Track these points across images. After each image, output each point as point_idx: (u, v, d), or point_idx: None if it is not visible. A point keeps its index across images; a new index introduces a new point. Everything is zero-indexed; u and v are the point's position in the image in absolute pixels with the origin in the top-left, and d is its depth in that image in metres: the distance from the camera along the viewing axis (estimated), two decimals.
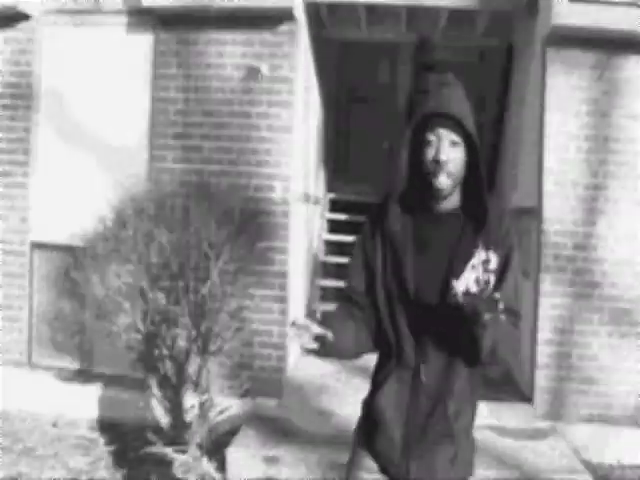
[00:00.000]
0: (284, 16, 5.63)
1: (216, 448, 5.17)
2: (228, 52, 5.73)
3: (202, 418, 5.14)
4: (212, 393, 5.17)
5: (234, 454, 4.84)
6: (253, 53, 5.71)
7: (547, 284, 5.55)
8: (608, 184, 5.56)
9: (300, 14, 5.83)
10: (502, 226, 2.40)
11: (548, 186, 5.58)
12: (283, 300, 5.70)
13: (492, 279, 2.27)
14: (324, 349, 2.33)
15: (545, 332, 5.54)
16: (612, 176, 5.57)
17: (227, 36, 5.72)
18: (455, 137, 2.34)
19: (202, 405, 5.14)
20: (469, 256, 2.30)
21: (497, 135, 7.57)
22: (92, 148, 5.97)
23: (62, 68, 6.04)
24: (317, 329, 2.25)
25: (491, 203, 2.42)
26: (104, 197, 5.27)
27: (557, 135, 5.59)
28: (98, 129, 5.97)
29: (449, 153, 2.34)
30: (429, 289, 2.40)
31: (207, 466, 4.99)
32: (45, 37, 6.05)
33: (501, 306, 2.07)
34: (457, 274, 2.26)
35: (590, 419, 5.51)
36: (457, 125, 2.34)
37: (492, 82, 7.67)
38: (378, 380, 2.55)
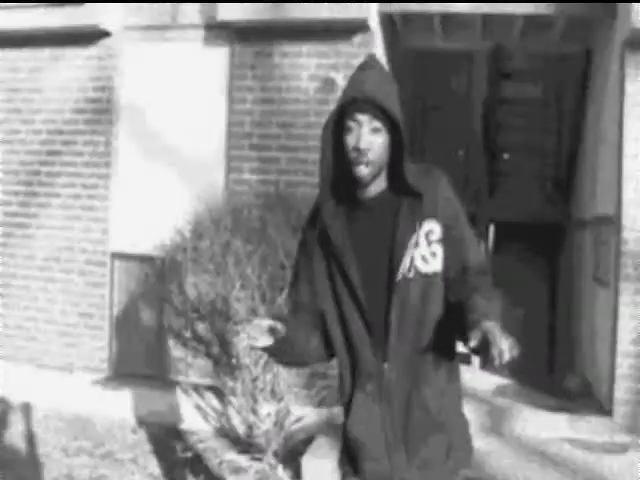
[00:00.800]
0: (359, 27, 5.67)
1: (292, 457, 5.22)
2: (303, 64, 5.79)
3: (278, 426, 5.20)
4: (288, 402, 5.23)
5: (309, 462, 4.85)
6: (328, 64, 5.76)
7: (627, 294, 5.43)
8: None
9: (375, 24, 5.85)
10: (438, 193, 2.29)
11: (628, 194, 5.47)
12: None
13: (439, 250, 2.23)
14: (276, 353, 2.28)
15: (624, 344, 5.41)
16: None
17: (302, 48, 5.79)
18: (376, 122, 2.21)
19: (278, 413, 5.20)
20: (410, 235, 2.24)
21: (576, 142, 7.45)
22: (170, 161, 6.10)
23: (141, 82, 6.21)
24: (266, 322, 2.16)
25: (418, 175, 2.29)
26: (182, 209, 5.40)
27: (637, 141, 5.47)
28: (176, 142, 6.10)
29: (369, 140, 2.21)
30: (376, 280, 2.26)
31: (283, 474, 5.05)
32: (125, 53, 6.23)
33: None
34: (400, 256, 2.21)
35: None
36: (378, 109, 2.21)
37: (570, 89, 7.56)
38: (345, 406, 2.39)
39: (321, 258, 2.37)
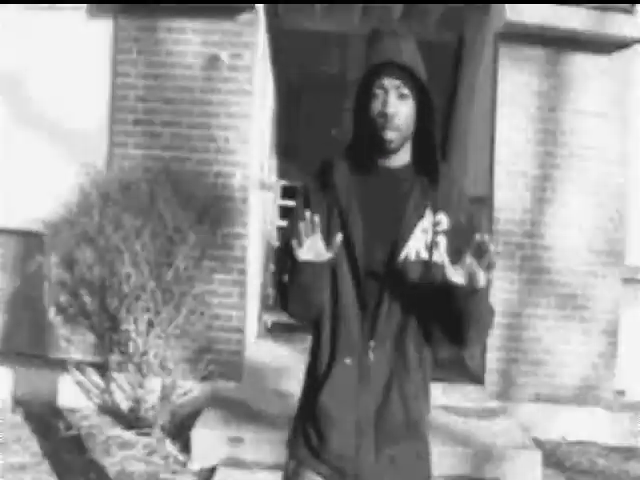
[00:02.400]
0: (244, 6, 5.71)
1: (179, 430, 5.27)
2: (189, 40, 5.78)
3: (165, 400, 5.23)
4: (175, 376, 5.27)
5: (198, 435, 4.92)
6: (214, 41, 5.77)
7: (497, 270, 5.78)
8: (555, 174, 5.82)
9: (259, 4, 5.92)
10: (454, 190, 2.27)
11: (499, 176, 5.81)
12: (242, 284, 5.81)
13: (443, 242, 2.19)
14: (312, 283, 2.14)
15: (496, 316, 5.76)
16: (558, 167, 5.83)
17: (187, 24, 5.77)
18: (404, 89, 2.15)
19: (165, 387, 5.24)
20: (418, 217, 2.20)
21: (446, 126, 7.79)
22: (51, 133, 5.95)
23: (20, 52, 6.00)
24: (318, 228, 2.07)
25: (443, 166, 2.26)
26: (65, 182, 5.31)
27: (507, 128, 5.82)
28: (57, 114, 5.95)
29: (397, 106, 2.15)
30: (377, 252, 2.20)
31: (171, 447, 5.09)
32: (2, 19, 6.00)
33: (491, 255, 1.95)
34: (406, 237, 2.18)
35: (538, 399, 5.79)
36: (406, 77, 2.16)
37: (442, 74, 7.88)
38: (315, 377, 2.28)
39: (325, 217, 2.23)
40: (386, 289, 2.18)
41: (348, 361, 2.20)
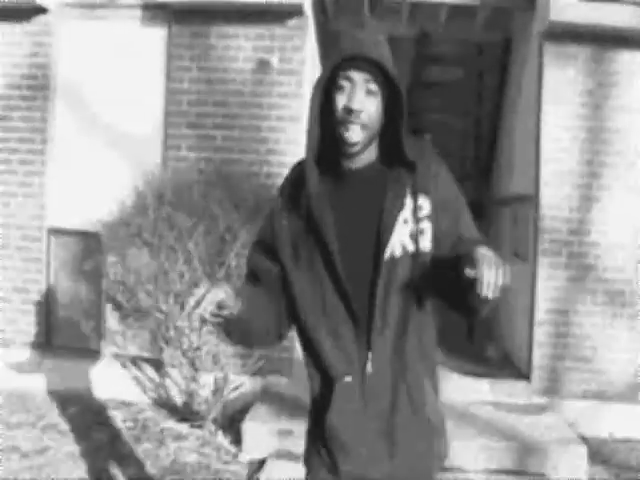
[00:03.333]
0: (294, 11, 5.87)
1: (230, 423, 5.46)
2: (239, 45, 5.97)
3: (217, 394, 5.41)
4: (227, 371, 5.45)
5: (249, 428, 5.08)
6: (263, 46, 5.95)
7: (544, 267, 5.84)
8: (602, 172, 5.85)
9: (308, 9, 6.07)
10: (429, 168, 2.10)
11: (545, 174, 5.86)
12: None
13: (427, 227, 2.05)
14: (232, 327, 2.06)
15: (541, 313, 5.83)
16: (605, 165, 5.85)
17: (239, 30, 5.96)
18: (372, 85, 1.98)
19: (217, 382, 5.42)
20: (398, 210, 2.05)
21: (494, 125, 7.85)
22: (107, 138, 6.19)
23: (78, 60, 6.26)
24: (229, 289, 1.95)
25: (412, 149, 2.08)
26: (121, 184, 5.54)
27: (553, 126, 5.87)
28: (113, 119, 6.19)
29: (363, 102, 1.98)
30: (360, 260, 2.06)
31: (222, 439, 5.27)
32: (62, 30, 6.26)
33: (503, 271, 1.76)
34: (387, 234, 2.03)
35: (585, 395, 5.81)
36: (374, 71, 1.98)
37: (491, 74, 7.95)
38: (319, 399, 2.18)
39: (300, 229, 2.13)
40: (376, 294, 2.04)
41: (349, 379, 2.09)
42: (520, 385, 5.87)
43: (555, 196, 5.85)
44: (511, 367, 6.27)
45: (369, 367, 2.07)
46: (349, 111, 1.97)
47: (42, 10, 6.20)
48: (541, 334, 5.84)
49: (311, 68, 6.39)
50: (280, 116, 5.96)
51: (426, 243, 2.05)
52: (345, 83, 2.00)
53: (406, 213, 2.05)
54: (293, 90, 5.96)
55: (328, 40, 7.38)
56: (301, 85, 5.96)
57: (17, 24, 6.24)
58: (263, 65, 5.95)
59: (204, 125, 6.04)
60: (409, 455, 2.11)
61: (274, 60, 5.94)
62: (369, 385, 2.08)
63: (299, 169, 2.18)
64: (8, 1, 6.05)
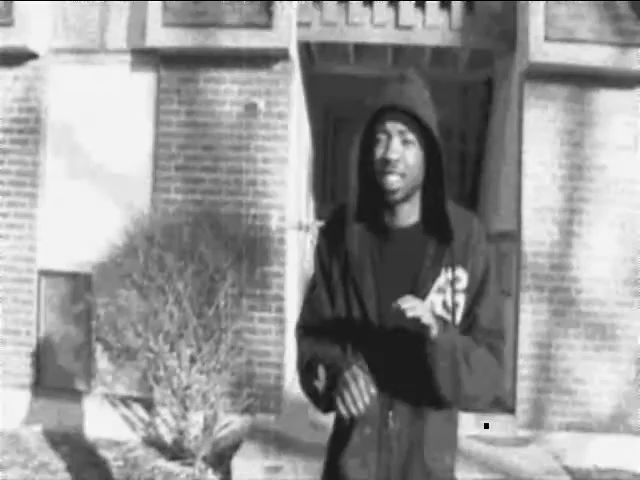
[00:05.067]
0: (280, 55, 6.03)
1: (220, 461, 5.51)
2: (227, 89, 6.12)
3: (207, 432, 5.48)
4: (216, 409, 5.51)
5: (238, 465, 5.14)
6: (250, 90, 6.09)
7: (527, 302, 5.96)
8: (582, 208, 5.99)
9: (294, 53, 6.23)
10: (471, 239, 2.14)
11: (526, 211, 6.00)
12: (280, 321, 6.05)
13: (461, 300, 2.10)
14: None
15: (525, 347, 5.94)
16: (585, 200, 6.00)
17: (226, 74, 6.11)
18: (409, 135, 2.04)
19: (207, 420, 5.48)
20: (435, 276, 2.09)
21: (479, 164, 8.00)
22: (97, 181, 6.30)
23: (69, 104, 6.38)
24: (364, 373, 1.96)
25: (456, 215, 2.13)
26: (110, 226, 5.65)
27: (533, 164, 6.02)
28: (103, 162, 6.31)
29: (401, 151, 2.04)
30: (392, 319, 2.06)
31: (212, 477, 5.32)
32: (52, 74, 6.40)
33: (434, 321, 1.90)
34: (422, 298, 2.04)
35: (569, 427, 5.90)
36: (412, 123, 2.04)
37: (473, 114, 8.11)
38: (338, 442, 2.26)
39: (340, 284, 2.19)
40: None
41: (368, 431, 2.15)
42: (505, 418, 5.95)
43: (537, 232, 5.99)
44: (496, 400, 6.35)
45: (390, 423, 2.13)
46: (386, 161, 2.04)
47: (33, 55, 6.33)
48: (525, 367, 5.94)
49: (297, 111, 6.54)
50: (267, 158, 6.09)
51: (458, 316, 2.11)
52: (382, 136, 2.07)
53: (441, 281, 2.09)
54: (280, 132, 6.09)
55: (314, 83, 7.56)
56: (287, 127, 6.09)
57: (8, 69, 6.37)
58: (250, 108, 6.09)
59: (193, 167, 6.16)
60: None
61: (261, 103, 6.08)
62: (387, 440, 2.14)
63: (342, 213, 2.22)
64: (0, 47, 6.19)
